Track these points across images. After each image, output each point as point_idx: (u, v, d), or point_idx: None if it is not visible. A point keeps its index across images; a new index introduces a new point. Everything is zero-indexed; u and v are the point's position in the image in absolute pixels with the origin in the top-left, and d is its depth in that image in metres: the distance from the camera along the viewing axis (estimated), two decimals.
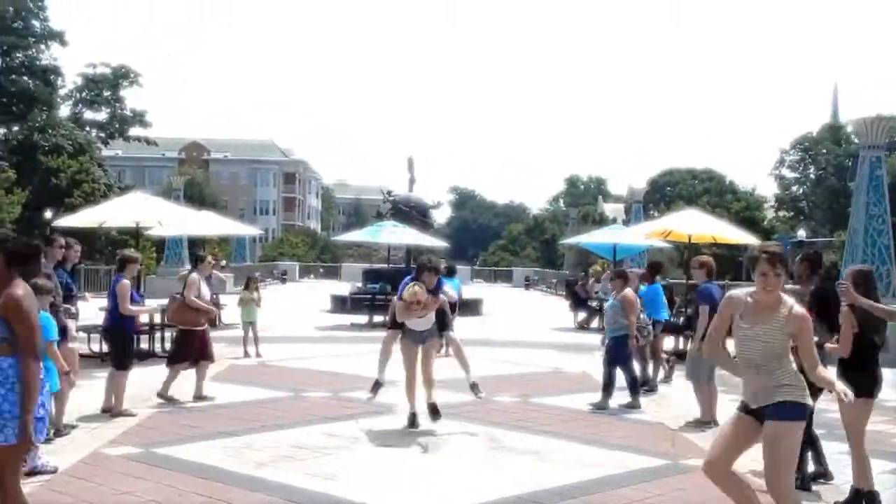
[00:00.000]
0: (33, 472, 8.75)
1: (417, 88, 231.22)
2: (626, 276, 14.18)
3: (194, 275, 13.54)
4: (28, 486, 8.25)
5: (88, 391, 12.27)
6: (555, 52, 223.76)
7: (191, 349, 13.08)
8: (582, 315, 28.21)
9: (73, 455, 9.47)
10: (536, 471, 9.34)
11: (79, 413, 11.39)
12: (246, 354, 17.92)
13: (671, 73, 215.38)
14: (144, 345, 17.84)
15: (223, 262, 37.43)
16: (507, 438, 10.76)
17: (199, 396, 12.97)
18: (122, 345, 12.23)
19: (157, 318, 18.17)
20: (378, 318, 25.70)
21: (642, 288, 15.64)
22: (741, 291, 6.38)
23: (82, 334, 14.42)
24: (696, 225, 21.21)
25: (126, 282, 12.23)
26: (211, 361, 13.55)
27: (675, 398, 14.15)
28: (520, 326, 27.32)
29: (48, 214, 43.63)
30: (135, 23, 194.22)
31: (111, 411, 11.76)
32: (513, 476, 8.95)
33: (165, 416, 11.94)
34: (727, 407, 12.71)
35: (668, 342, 19.36)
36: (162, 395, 12.73)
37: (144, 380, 13.48)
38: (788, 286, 7.22)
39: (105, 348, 14.06)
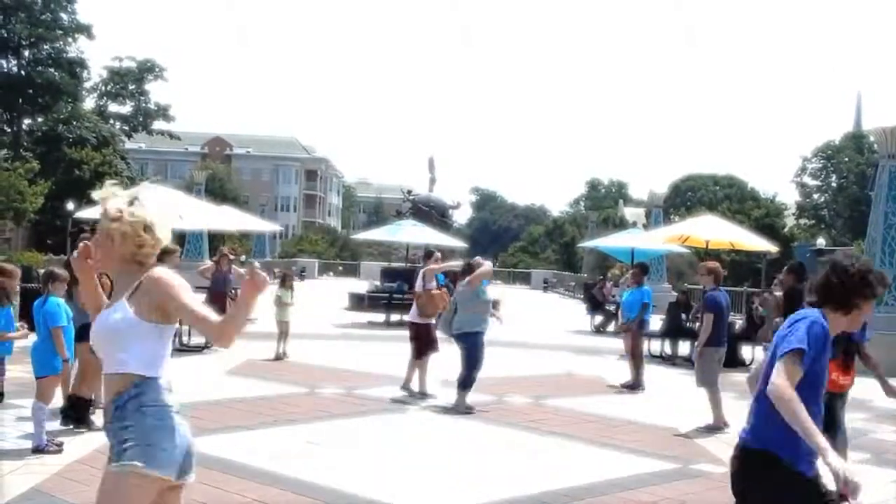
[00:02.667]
0: (38, 451, 8.92)
1: (442, 89, 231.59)
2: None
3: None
4: (41, 473, 8.40)
5: None
6: (580, 54, 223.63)
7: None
8: (599, 318, 28.21)
9: (89, 444, 9.57)
10: (546, 472, 9.40)
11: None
12: (278, 356, 17.49)
13: (695, 79, 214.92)
14: None
15: (242, 258, 37.58)
16: (519, 439, 10.82)
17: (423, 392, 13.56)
18: None
19: None
20: (395, 317, 25.77)
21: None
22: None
23: None
24: (714, 231, 21.19)
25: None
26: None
27: (687, 402, 14.19)
28: (536, 328, 27.33)
29: (70, 206, 43.90)
30: (161, 17, 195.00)
31: None
32: (523, 476, 9.01)
33: (180, 408, 12.01)
34: (734, 408, 12.83)
35: (684, 347, 19.46)
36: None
37: None
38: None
39: None
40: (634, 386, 15.33)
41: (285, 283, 18.68)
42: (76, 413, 10.41)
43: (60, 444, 9.28)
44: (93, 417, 10.55)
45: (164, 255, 12.72)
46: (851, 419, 9.55)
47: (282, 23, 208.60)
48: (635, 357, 15.70)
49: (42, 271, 10.87)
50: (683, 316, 20.41)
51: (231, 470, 8.83)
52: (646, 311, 16.04)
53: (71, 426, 10.30)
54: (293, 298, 18.40)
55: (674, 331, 20.17)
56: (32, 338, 9.55)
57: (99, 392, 10.77)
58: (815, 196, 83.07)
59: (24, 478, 8.27)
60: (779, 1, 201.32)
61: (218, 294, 20.22)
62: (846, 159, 78.76)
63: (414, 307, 14.07)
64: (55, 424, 10.16)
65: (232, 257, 23.41)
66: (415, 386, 13.59)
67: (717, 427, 11.94)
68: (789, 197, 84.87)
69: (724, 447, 10.89)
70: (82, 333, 10.18)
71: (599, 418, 12.69)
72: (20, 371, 9.58)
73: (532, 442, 10.83)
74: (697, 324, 18.53)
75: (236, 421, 11.33)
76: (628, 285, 17.23)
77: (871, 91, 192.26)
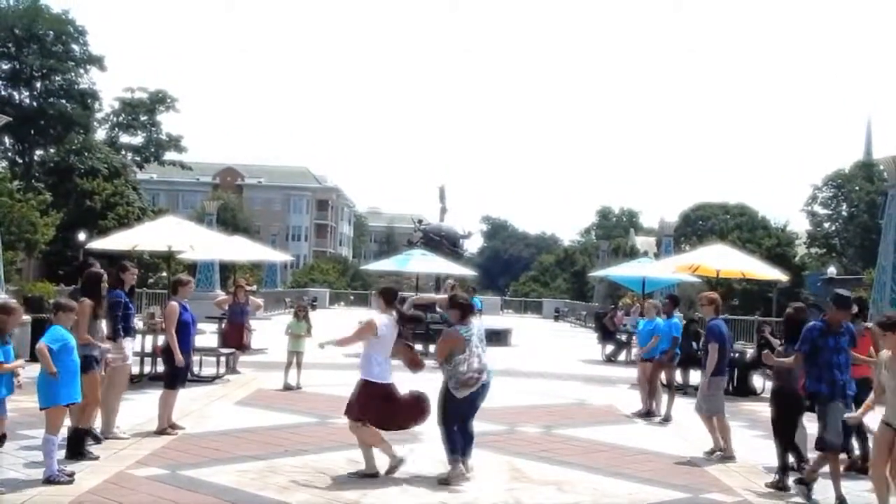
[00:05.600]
0: (49, 481, 8.95)
1: (453, 118, 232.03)
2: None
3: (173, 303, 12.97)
4: (52, 503, 8.42)
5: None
6: (592, 85, 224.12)
7: None
8: (610, 348, 28.16)
9: (100, 475, 9.61)
10: (557, 501, 9.40)
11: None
12: (287, 387, 17.37)
13: (706, 108, 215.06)
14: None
15: (254, 288, 37.62)
16: (529, 468, 10.81)
17: None
18: (172, 365, 12.41)
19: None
20: None
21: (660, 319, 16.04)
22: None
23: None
24: (724, 260, 21.17)
25: (174, 304, 12.49)
26: None
27: (697, 431, 14.16)
28: (547, 358, 27.30)
29: (82, 236, 44.05)
30: (173, 49, 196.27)
31: (160, 429, 12.17)
32: None
33: (191, 438, 12.06)
34: (744, 437, 12.79)
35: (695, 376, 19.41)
36: None
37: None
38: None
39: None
40: (667, 419, 15.19)
41: (298, 314, 18.67)
42: (73, 445, 10.37)
43: (72, 475, 9.31)
44: (90, 448, 10.57)
45: (176, 287, 12.85)
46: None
47: (293, 54, 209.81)
48: (669, 387, 15.70)
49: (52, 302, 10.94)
50: (694, 345, 20.30)
51: (244, 501, 8.86)
52: (677, 344, 16.00)
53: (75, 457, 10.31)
54: (309, 330, 18.29)
55: (685, 360, 20.09)
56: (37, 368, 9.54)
57: (93, 423, 10.82)
58: (826, 225, 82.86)
59: None
60: (789, 29, 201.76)
61: (235, 325, 20.29)
62: (857, 188, 78.57)
63: None
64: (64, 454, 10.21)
65: (248, 289, 23.48)
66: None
67: (728, 456, 11.91)
68: (800, 226, 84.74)
69: (734, 476, 10.89)
70: (88, 364, 10.23)
71: (611, 447, 12.67)
72: (31, 402, 9.60)
73: (543, 471, 10.81)
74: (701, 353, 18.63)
75: (248, 451, 11.34)
76: (650, 314, 16.90)
77: (881, 118, 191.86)
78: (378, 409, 10.03)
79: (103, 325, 11.42)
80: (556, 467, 11.09)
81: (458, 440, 10.13)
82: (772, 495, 10.01)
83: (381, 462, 10.06)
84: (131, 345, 12.53)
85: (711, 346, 12.09)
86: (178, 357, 12.23)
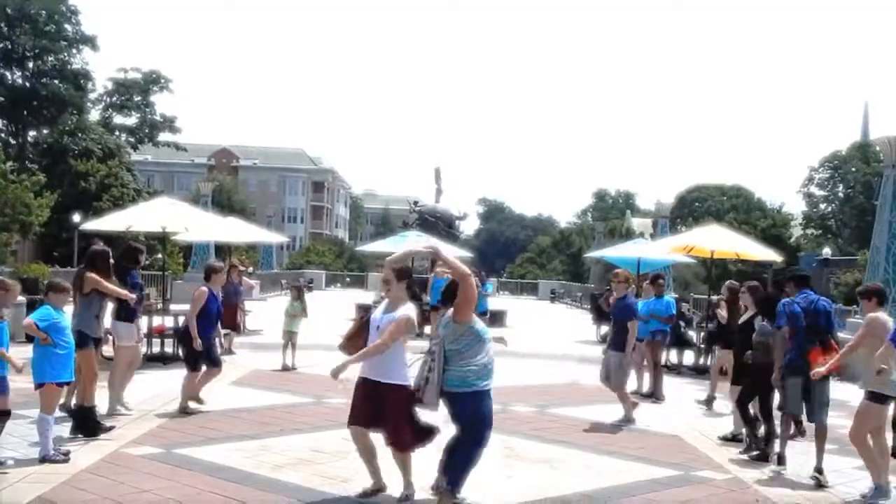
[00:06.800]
0: (45, 460, 9.03)
1: (449, 100, 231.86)
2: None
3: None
4: (48, 482, 8.49)
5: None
6: (588, 65, 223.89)
7: None
8: (605, 328, 28.18)
9: (96, 454, 9.69)
10: (548, 478, 9.48)
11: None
12: (284, 367, 17.55)
13: (703, 90, 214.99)
14: (168, 349, 18.10)
15: (250, 269, 37.66)
16: (522, 447, 10.88)
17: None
18: (190, 348, 12.58)
19: (182, 323, 18.50)
20: None
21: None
22: None
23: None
24: (719, 240, 21.19)
25: (203, 290, 12.72)
26: None
27: (691, 410, 14.28)
28: (542, 338, 27.35)
29: (76, 218, 44.03)
30: (167, 29, 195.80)
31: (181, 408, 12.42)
32: (525, 483, 9.09)
33: (187, 418, 12.13)
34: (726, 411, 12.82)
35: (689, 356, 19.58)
36: None
37: (167, 383, 13.69)
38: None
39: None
40: (654, 395, 15.38)
41: (300, 296, 18.81)
42: (84, 424, 10.50)
43: (67, 454, 9.39)
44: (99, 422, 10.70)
45: (211, 273, 13.02)
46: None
47: (289, 35, 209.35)
48: (657, 367, 15.86)
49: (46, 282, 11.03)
50: (682, 325, 20.35)
51: (238, 479, 8.93)
52: (672, 322, 16.15)
53: (80, 435, 10.41)
54: (304, 311, 18.50)
55: (677, 340, 20.18)
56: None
57: (94, 399, 10.91)
58: (822, 206, 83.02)
59: (31, 486, 8.37)
60: (786, 11, 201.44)
61: (228, 305, 20.34)
62: (853, 169, 78.69)
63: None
64: (64, 433, 10.28)
65: (242, 269, 23.56)
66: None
67: (629, 419, 12.87)
68: (796, 207, 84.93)
69: (725, 454, 10.98)
70: (82, 341, 10.28)
71: (603, 426, 12.74)
72: (26, 382, 9.66)
73: (535, 449, 10.89)
74: (702, 333, 18.73)
75: (243, 430, 11.42)
76: (643, 295, 17.10)
77: (878, 100, 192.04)
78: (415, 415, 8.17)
79: (109, 304, 11.50)
80: (549, 445, 11.18)
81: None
82: (760, 473, 10.11)
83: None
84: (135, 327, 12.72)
85: (631, 323, 13.16)
86: (197, 341, 12.37)
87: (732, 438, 11.91)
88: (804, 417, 10.35)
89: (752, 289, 11.82)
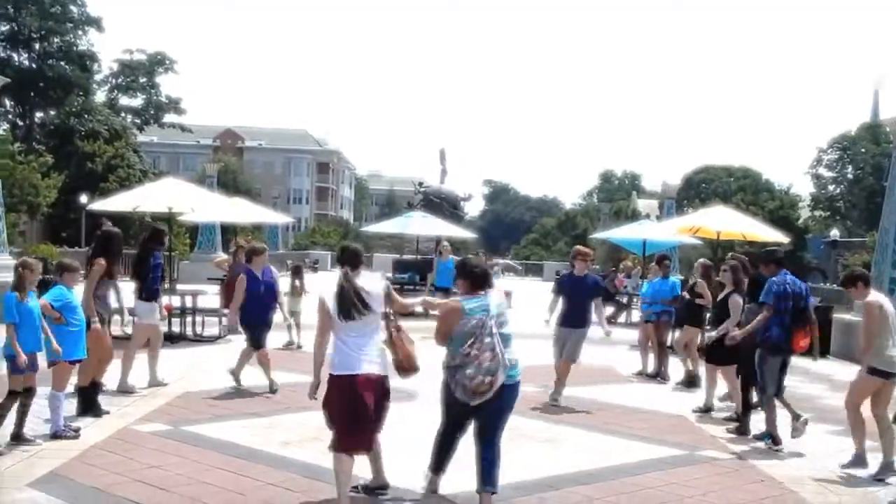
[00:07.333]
0: (56, 436, 9.14)
1: (454, 80, 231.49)
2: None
3: None
4: (59, 458, 8.58)
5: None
6: (594, 45, 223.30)
7: None
8: (610, 309, 28.21)
9: (105, 430, 9.80)
10: (552, 458, 9.56)
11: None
12: (290, 344, 17.77)
13: (710, 69, 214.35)
14: (176, 328, 18.17)
15: None
16: (526, 427, 10.91)
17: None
18: (248, 328, 13.03)
19: (189, 303, 18.62)
20: None
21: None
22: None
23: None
24: (725, 222, 21.18)
25: (243, 276, 13.02)
26: None
27: (696, 390, 14.32)
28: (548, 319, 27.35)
29: (83, 199, 44.17)
30: (172, 10, 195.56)
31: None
32: (528, 462, 9.13)
33: (195, 395, 12.23)
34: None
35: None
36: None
37: (174, 361, 13.78)
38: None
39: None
40: (659, 376, 15.50)
41: (297, 273, 19.00)
42: (86, 398, 10.60)
43: (77, 430, 9.50)
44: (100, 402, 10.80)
45: (252, 255, 13.23)
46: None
47: (293, 15, 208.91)
48: (662, 348, 15.91)
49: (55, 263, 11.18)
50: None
51: (245, 456, 9.03)
52: (678, 303, 16.19)
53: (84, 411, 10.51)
54: (302, 288, 18.87)
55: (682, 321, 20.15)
56: None
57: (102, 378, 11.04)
58: (831, 187, 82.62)
59: (43, 462, 8.48)
60: None
61: (235, 285, 20.41)
62: (862, 150, 78.25)
63: None
64: (72, 410, 10.37)
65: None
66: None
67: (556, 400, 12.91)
68: (804, 188, 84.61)
69: (730, 434, 11.04)
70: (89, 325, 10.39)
71: (608, 406, 12.82)
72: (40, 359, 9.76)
73: (540, 429, 10.96)
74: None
75: (249, 408, 11.54)
76: (649, 276, 17.20)
77: (889, 81, 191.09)
78: None
79: (118, 284, 11.61)
80: (553, 425, 11.25)
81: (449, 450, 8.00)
82: (765, 453, 10.17)
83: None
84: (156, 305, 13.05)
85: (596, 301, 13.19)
86: (232, 318, 13.10)
87: (706, 410, 12.34)
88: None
89: (733, 268, 12.12)
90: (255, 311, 12.92)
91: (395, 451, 8.42)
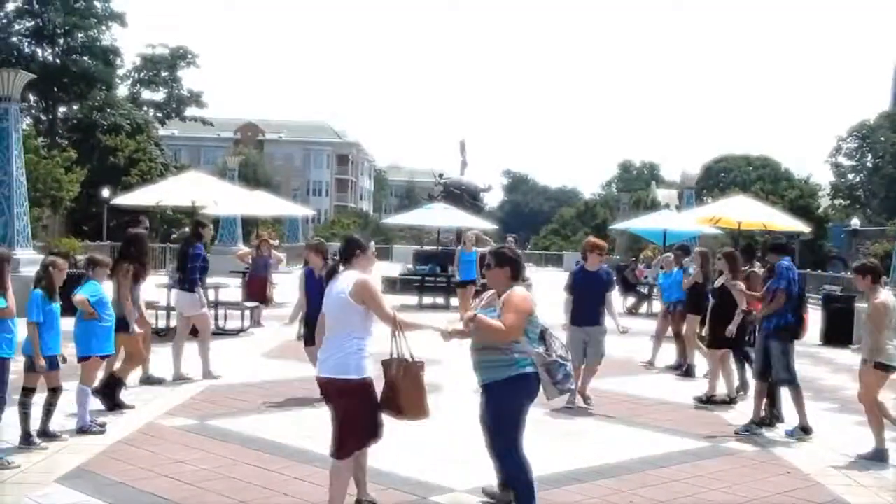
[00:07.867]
0: (82, 431, 9.23)
1: (473, 72, 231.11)
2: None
3: None
4: (86, 453, 8.66)
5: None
6: (613, 35, 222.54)
7: None
8: (631, 300, 28.22)
9: (131, 425, 9.89)
10: (576, 450, 9.57)
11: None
12: (299, 336, 17.77)
13: (729, 58, 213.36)
14: None
15: (276, 242, 37.84)
16: (549, 419, 10.92)
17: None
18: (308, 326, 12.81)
19: (211, 296, 18.70)
20: (428, 300, 26.01)
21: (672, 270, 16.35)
22: None
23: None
24: (746, 211, 21.13)
25: (301, 273, 12.80)
26: None
27: (719, 381, 14.29)
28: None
29: (106, 192, 44.40)
30: (193, 4, 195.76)
31: None
32: (551, 455, 9.09)
33: (219, 390, 12.31)
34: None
35: None
36: None
37: (197, 354, 13.85)
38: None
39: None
40: (681, 367, 15.43)
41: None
42: (108, 392, 10.67)
43: (104, 425, 9.58)
44: (122, 399, 10.88)
45: (317, 253, 13.00)
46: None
47: (314, 8, 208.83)
48: (681, 338, 15.85)
49: (80, 258, 11.32)
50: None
51: (270, 450, 9.08)
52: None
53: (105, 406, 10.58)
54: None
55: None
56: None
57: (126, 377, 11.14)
58: (850, 176, 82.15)
59: (70, 457, 8.55)
60: None
61: (258, 279, 20.52)
62: (882, 139, 77.72)
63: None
64: (99, 405, 10.45)
65: (273, 243, 23.73)
66: None
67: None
68: (824, 177, 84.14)
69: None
70: (121, 325, 10.48)
71: (631, 398, 12.83)
72: (67, 354, 9.83)
73: (563, 421, 10.98)
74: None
75: (274, 402, 11.59)
76: (663, 266, 17.19)
77: None
78: None
79: (141, 290, 11.68)
80: (575, 418, 11.26)
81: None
82: (788, 444, 10.17)
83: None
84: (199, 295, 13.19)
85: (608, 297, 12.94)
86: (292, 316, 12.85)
87: (707, 401, 12.30)
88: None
89: (728, 255, 12.28)
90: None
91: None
